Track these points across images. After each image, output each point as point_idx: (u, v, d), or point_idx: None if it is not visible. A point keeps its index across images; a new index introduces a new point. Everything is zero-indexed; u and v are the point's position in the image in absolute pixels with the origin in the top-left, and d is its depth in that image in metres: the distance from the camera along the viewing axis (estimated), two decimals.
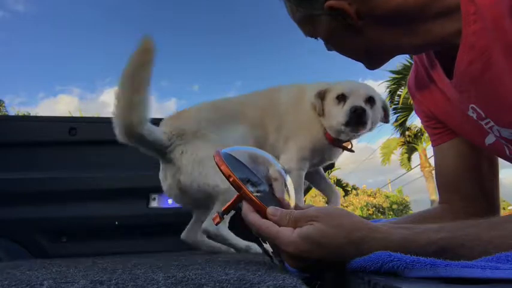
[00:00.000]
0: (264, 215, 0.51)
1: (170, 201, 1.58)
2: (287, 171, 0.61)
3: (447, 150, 0.79)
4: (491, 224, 0.43)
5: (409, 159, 15.07)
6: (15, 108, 19.18)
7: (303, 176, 1.40)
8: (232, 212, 0.58)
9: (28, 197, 1.48)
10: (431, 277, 0.36)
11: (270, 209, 0.51)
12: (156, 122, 1.61)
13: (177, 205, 1.57)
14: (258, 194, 0.54)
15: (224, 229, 1.14)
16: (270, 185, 0.58)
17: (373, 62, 0.69)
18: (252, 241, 0.62)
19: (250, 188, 0.54)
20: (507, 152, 0.65)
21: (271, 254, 0.59)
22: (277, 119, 1.39)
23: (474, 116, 0.63)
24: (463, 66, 0.58)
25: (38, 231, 1.49)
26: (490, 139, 0.66)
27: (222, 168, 0.53)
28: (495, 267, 0.33)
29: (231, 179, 0.52)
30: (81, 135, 1.60)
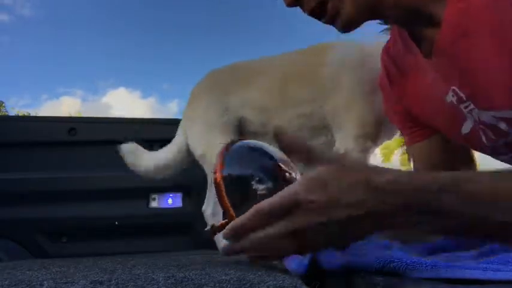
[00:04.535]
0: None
1: (170, 201, 1.58)
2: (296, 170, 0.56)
3: (423, 147, 0.79)
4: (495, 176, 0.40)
5: (409, 159, 15.03)
6: (14, 109, 19.20)
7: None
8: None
9: (28, 197, 1.48)
10: (432, 278, 0.36)
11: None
12: (157, 121, 1.61)
13: (177, 205, 1.57)
14: (263, 192, 0.51)
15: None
16: (279, 182, 0.52)
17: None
18: None
19: (257, 185, 0.50)
20: (483, 139, 0.63)
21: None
22: (318, 90, 1.13)
23: (454, 99, 0.61)
24: (444, 45, 0.56)
25: (38, 231, 1.48)
26: (466, 128, 0.64)
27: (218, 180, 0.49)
28: (497, 269, 0.33)
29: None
30: (80, 135, 1.60)
